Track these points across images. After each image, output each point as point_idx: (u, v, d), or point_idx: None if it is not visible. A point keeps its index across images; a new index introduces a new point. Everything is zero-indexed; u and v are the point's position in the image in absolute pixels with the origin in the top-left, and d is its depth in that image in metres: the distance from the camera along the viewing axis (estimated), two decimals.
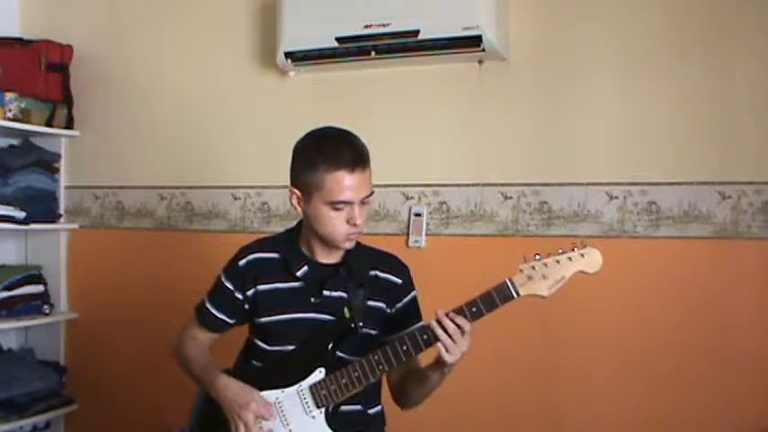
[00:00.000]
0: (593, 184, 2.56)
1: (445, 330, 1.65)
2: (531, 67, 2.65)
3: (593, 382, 2.54)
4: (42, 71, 3.22)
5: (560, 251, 1.68)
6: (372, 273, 1.88)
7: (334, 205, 1.73)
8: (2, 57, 3.22)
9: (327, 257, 1.86)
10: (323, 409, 1.77)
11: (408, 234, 2.78)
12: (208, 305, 1.96)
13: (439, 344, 1.66)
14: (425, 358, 1.80)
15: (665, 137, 2.48)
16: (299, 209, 1.82)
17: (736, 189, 2.39)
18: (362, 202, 1.76)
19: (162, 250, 3.23)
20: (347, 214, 1.75)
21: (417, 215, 2.78)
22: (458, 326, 1.65)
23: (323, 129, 1.83)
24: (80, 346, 3.40)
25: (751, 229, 2.38)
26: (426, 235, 2.76)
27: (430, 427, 2.66)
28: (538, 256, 1.67)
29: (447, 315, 1.66)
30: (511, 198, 2.67)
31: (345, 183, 1.72)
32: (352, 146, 1.76)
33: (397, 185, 2.82)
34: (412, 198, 2.81)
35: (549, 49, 2.63)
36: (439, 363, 1.72)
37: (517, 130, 2.66)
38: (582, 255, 1.66)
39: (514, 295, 1.67)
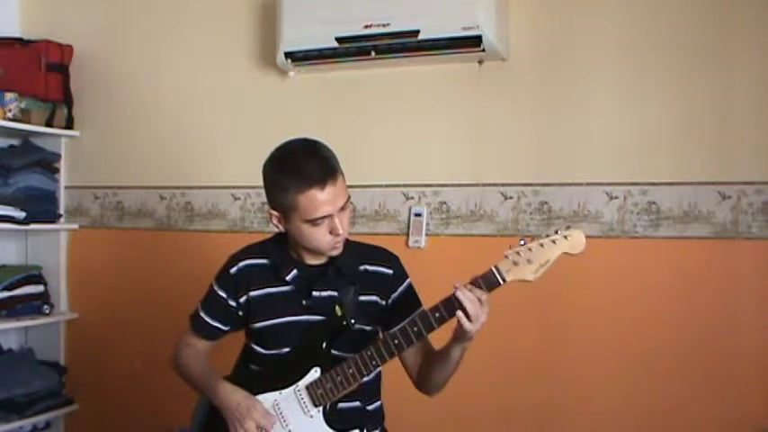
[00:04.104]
0: (593, 184, 2.56)
1: (462, 302, 1.65)
2: (531, 66, 2.65)
3: (593, 382, 2.54)
4: (42, 71, 3.22)
5: (545, 235, 1.68)
6: (362, 267, 1.88)
7: (314, 222, 1.74)
8: (2, 57, 3.22)
9: (315, 259, 1.87)
10: (321, 408, 1.78)
11: (408, 234, 2.78)
12: (201, 314, 1.97)
13: (460, 314, 1.65)
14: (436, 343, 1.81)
15: (665, 137, 2.48)
16: (280, 227, 1.83)
17: (736, 189, 2.39)
18: (342, 209, 1.76)
19: (162, 250, 3.23)
20: (328, 226, 1.75)
21: (417, 215, 2.78)
22: (477, 297, 1.66)
23: (286, 146, 1.81)
24: (80, 346, 3.40)
25: (751, 229, 2.38)
26: (426, 235, 2.76)
27: (429, 425, 2.67)
28: (522, 242, 1.67)
29: (465, 287, 1.66)
30: (511, 198, 2.67)
31: (319, 199, 1.71)
32: (317, 160, 1.73)
33: (397, 185, 2.82)
34: (412, 198, 2.81)
35: (549, 48, 2.63)
36: (458, 337, 1.72)
37: (517, 131, 2.66)
38: (565, 237, 1.66)
39: (500, 281, 1.67)
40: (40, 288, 3.30)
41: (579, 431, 2.57)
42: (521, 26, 2.64)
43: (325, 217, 1.73)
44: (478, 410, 2.68)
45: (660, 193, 2.48)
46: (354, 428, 1.81)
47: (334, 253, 1.82)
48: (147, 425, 3.16)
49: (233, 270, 1.92)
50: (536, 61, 2.64)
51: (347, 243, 1.86)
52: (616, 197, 2.53)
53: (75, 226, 3.41)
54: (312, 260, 1.87)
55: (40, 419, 3.23)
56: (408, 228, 2.79)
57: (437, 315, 1.69)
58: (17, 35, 3.38)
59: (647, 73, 2.50)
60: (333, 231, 1.76)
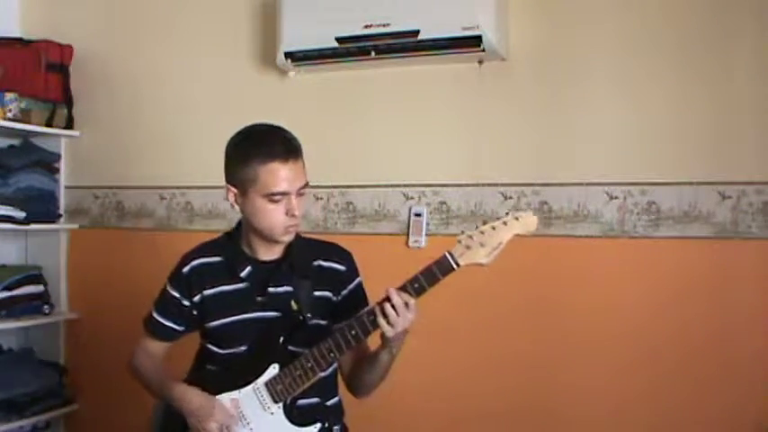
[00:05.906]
0: (593, 184, 2.56)
1: (392, 305, 1.66)
2: (531, 66, 2.65)
3: (593, 382, 2.54)
4: (42, 71, 3.22)
5: (496, 218, 1.69)
6: (316, 263, 1.89)
7: (271, 197, 1.74)
8: (2, 57, 3.22)
9: (269, 254, 1.87)
10: (281, 404, 1.78)
11: (408, 234, 2.78)
12: (155, 315, 1.98)
13: (381, 320, 1.67)
14: (374, 344, 1.81)
15: (665, 137, 2.48)
16: (236, 206, 1.84)
17: (736, 189, 2.39)
18: (299, 194, 1.77)
19: (162, 250, 3.22)
20: (285, 206, 1.76)
21: (417, 215, 2.78)
22: (404, 302, 1.67)
23: (252, 125, 1.85)
24: (80, 346, 3.40)
25: (751, 229, 2.38)
26: (426, 235, 2.76)
27: (429, 426, 2.66)
28: (476, 226, 1.69)
29: (396, 290, 1.68)
30: (511, 198, 2.67)
31: (280, 174, 1.73)
32: (282, 138, 1.78)
33: (397, 185, 2.82)
34: (412, 198, 2.81)
35: (549, 48, 2.63)
36: (384, 341, 1.74)
37: (517, 130, 2.66)
38: (516, 218, 1.68)
39: (454, 266, 1.68)
40: (40, 288, 3.30)
41: (579, 431, 2.57)
42: (521, 26, 2.64)
43: (283, 194, 1.74)
44: (478, 411, 2.67)
45: (660, 193, 2.48)
46: (316, 422, 1.80)
47: (286, 238, 1.82)
48: (146, 425, 3.15)
49: (185, 270, 1.92)
50: (536, 61, 2.64)
51: (301, 239, 1.86)
52: (616, 197, 2.53)
53: (75, 226, 3.41)
54: (266, 255, 1.87)
55: (40, 419, 3.23)
56: (408, 228, 2.79)
57: (371, 318, 1.70)
58: (17, 35, 3.38)
59: (646, 73, 2.50)
60: (288, 212, 1.76)
